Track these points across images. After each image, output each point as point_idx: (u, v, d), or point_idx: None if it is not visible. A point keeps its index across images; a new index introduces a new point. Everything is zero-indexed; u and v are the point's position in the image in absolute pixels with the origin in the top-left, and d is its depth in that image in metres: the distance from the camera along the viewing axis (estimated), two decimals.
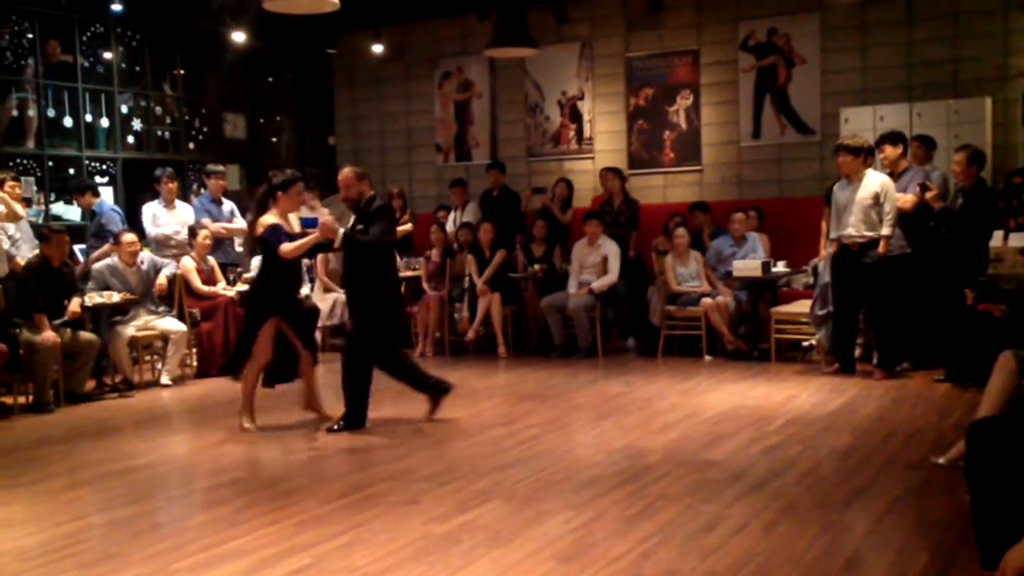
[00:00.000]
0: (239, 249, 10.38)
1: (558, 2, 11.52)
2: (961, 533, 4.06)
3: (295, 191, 6.82)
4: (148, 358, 9.17)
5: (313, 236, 6.56)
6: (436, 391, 6.86)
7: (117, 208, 9.84)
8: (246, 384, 6.82)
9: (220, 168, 10.50)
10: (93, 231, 9.71)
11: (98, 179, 11.22)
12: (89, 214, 9.99)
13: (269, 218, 6.63)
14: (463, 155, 12.68)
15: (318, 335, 10.35)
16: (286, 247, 6.52)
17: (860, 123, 9.71)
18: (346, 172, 6.76)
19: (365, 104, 13.32)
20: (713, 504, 4.65)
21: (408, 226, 11.20)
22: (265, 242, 6.61)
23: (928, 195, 7.76)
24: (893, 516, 4.44)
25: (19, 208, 8.49)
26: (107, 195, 11.20)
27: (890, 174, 8.06)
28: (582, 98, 11.85)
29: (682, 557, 3.95)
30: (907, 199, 7.90)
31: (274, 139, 14.22)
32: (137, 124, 12.09)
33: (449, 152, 12.79)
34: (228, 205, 10.26)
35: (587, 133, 11.87)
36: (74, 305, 7.96)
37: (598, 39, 11.72)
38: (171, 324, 8.76)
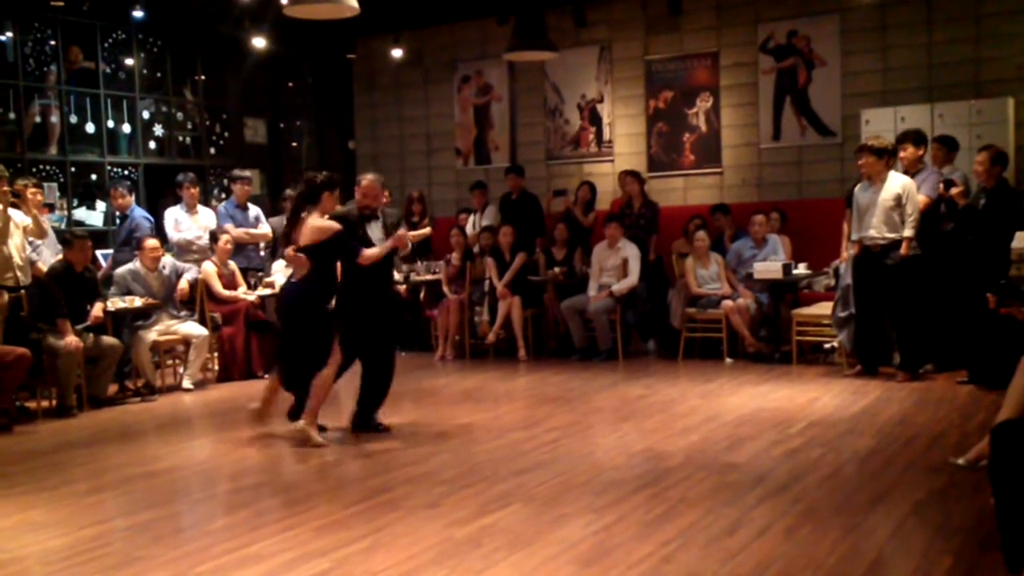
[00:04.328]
0: (262, 254, 10.43)
1: (577, 5, 11.52)
2: (985, 536, 4.03)
3: (337, 192, 6.58)
4: (170, 362, 9.22)
5: (389, 244, 6.57)
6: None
7: (148, 216, 9.81)
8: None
9: (246, 174, 10.50)
10: (122, 238, 9.65)
11: None
12: (119, 217, 9.99)
13: (328, 221, 6.36)
14: (483, 159, 12.69)
15: None
16: (368, 253, 6.46)
17: (881, 124, 9.66)
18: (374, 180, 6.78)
19: (385, 108, 13.35)
20: (734, 507, 4.63)
21: (427, 230, 11.22)
22: (342, 245, 6.39)
23: (954, 191, 7.72)
24: (916, 519, 4.41)
25: (47, 225, 8.63)
26: None
27: (905, 172, 8.02)
28: (601, 101, 11.84)
29: (703, 561, 3.94)
30: (920, 199, 7.85)
31: (294, 144, 14.28)
32: (159, 130, 12.17)
33: (469, 156, 12.80)
34: (254, 210, 10.28)
35: (606, 136, 11.86)
36: (97, 310, 8.01)
37: (617, 42, 11.71)
38: (193, 328, 8.80)
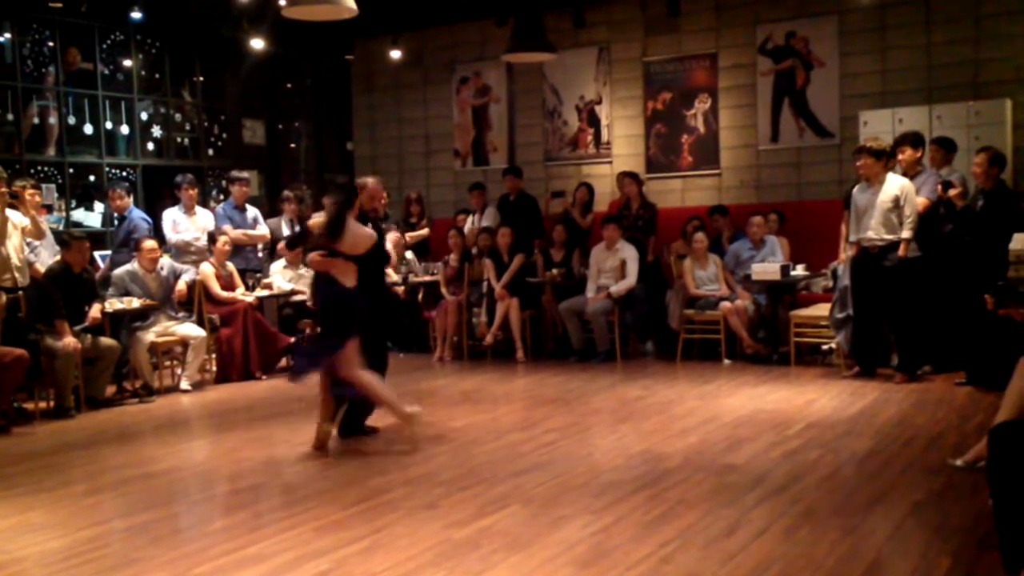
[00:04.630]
0: (260, 255, 10.43)
1: (576, 7, 11.53)
2: (984, 537, 4.03)
3: None
4: (168, 363, 9.21)
5: (394, 249, 6.57)
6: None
7: (147, 217, 9.81)
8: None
9: (244, 175, 10.51)
10: (120, 239, 9.64)
11: None
12: (117, 218, 9.99)
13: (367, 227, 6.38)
14: (481, 160, 12.69)
15: None
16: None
17: (879, 126, 9.66)
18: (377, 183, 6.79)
19: (383, 109, 13.35)
20: (733, 509, 4.63)
21: (425, 231, 11.23)
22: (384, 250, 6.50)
23: (952, 192, 7.73)
24: (914, 520, 4.42)
25: (45, 226, 8.65)
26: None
27: (904, 175, 8.03)
28: (600, 102, 11.85)
29: (702, 562, 3.94)
30: (920, 201, 7.87)
31: (292, 145, 14.28)
32: (157, 131, 12.17)
33: (467, 157, 12.80)
34: (252, 212, 10.29)
35: (605, 137, 11.87)
36: (95, 311, 8.01)
37: (616, 43, 11.71)
38: (191, 330, 8.80)
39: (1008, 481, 3.42)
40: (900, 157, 8.13)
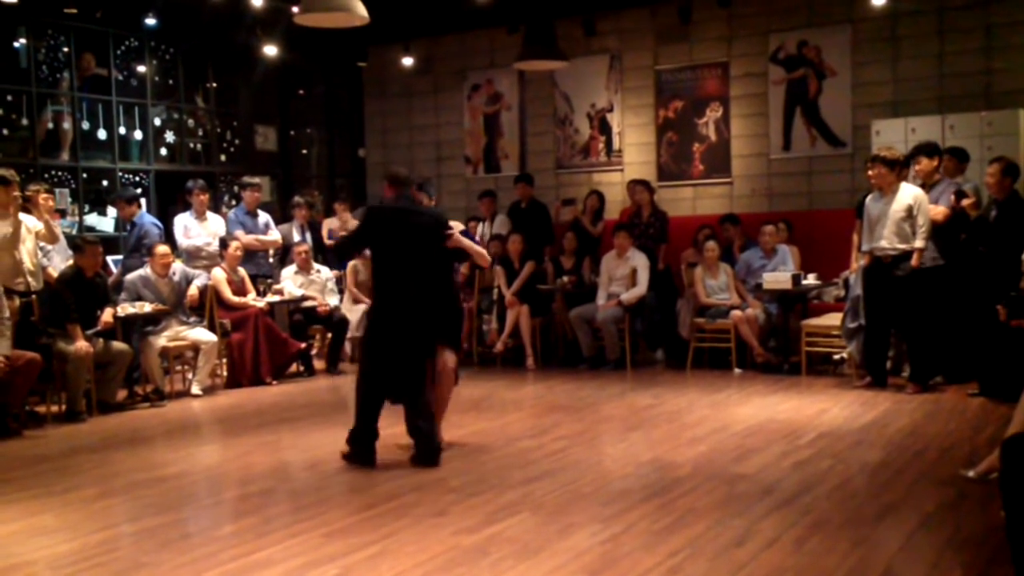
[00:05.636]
0: (271, 260, 10.46)
1: (587, 15, 11.54)
2: (995, 549, 4.01)
3: None
4: (179, 368, 9.23)
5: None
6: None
7: (157, 222, 9.84)
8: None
9: (256, 181, 10.58)
10: (132, 244, 9.69)
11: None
12: (128, 224, 10.02)
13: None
14: (492, 167, 12.70)
15: (347, 346, 10.46)
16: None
17: (892, 135, 9.64)
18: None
19: (395, 116, 13.38)
20: (743, 518, 4.62)
21: None
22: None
23: (965, 202, 7.71)
24: (926, 532, 4.39)
25: (59, 230, 8.68)
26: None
27: (922, 185, 8.01)
28: (611, 110, 11.85)
29: (712, 572, 3.93)
30: (939, 211, 7.85)
31: (304, 151, 14.31)
32: (170, 136, 12.21)
33: (478, 164, 12.82)
34: (264, 217, 10.32)
35: (616, 145, 11.86)
36: (107, 315, 8.04)
37: (627, 52, 11.71)
38: (202, 334, 8.82)
39: (1021, 493, 3.40)
40: (916, 168, 8.12)
